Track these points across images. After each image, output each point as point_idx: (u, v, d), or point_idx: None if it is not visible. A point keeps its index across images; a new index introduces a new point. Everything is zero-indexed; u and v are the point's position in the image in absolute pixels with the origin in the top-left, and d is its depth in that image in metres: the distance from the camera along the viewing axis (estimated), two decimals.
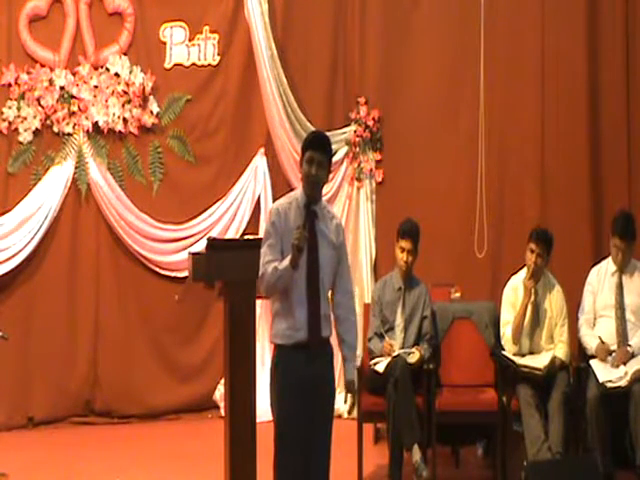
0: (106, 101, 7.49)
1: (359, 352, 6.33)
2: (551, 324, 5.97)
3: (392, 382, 5.60)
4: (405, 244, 6.02)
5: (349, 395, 4.48)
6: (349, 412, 4.58)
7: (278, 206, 4.36)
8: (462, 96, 7.58)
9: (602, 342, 5.80)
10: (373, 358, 5.94)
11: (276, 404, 4.34)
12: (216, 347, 7.20)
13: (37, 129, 7.43)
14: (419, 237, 6.03)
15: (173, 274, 7.59)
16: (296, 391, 4.25)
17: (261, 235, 4.54)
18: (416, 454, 5.52)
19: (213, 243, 4.96)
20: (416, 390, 5.69)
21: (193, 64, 7.70)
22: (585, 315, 6.00)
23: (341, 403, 7.37)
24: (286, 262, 4.18)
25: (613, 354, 5.78)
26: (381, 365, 5.78)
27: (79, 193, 7.51)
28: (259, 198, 7.67)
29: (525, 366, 5.77)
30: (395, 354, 5.79)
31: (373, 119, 7.70)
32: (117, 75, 7.52)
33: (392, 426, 5.61)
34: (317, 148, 4.30)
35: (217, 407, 7.38)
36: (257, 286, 4.53)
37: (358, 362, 6.02)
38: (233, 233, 7.57)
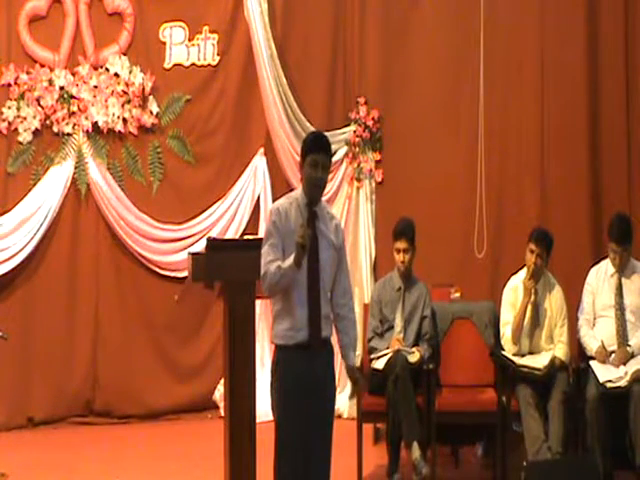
0: (106, 101, 7.49)
1: (359, 352, 6.34)
2: (551, 324, 5.97)
3: (392, 379, 5.60)
4: (400, 244, 6.02)
5: (351, 384, 4.44)
6: (352, 397, 4.53)
7: (279, 206, 4.36)
8: (462, 96, 7.58)
9: (603, 346, 5.79)
10: (373, 356, 5.93)
11: (277, 405, 4.34)
12: (216, 347, 7.20)
13: (37, 129, 7.43)
14: (414, 234, 6.02)
15: (173, 274, 7.58)
16: (297, 392, 4.25)
17: (261, 235, 4.53)
18: (415, 451, 5.53)
19: (213, 243, 4.96)
20: (416, 390, 5.69)
21: (193, 64, 7.70)
22: (585, 315, 6.00)
23: (341, 403, 7.40)
24: (290, 261, 4.18)
25: (613, 354, 5.79)
26: (381, 362, 5.78)
27: (79, 193, 7.51)
28: (259, 198, 7.67)
29: (525, 366, 5.77)
30: (395, 349, 5.79)
31: (373, 119, 7.70)
32: (117, 75, 7.52)
33: (392, 422, 5.62)
34: (320, 150, 4.31)
35: (217, 407, 7.38)
36: (258, 286, 4.53)
37: (358, 362, 6.04)
38: (233, 233, 7.57)
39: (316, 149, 4.31)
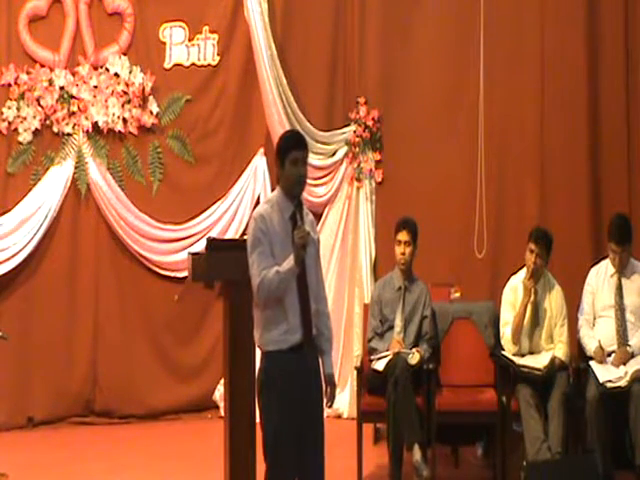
0: (106, 101, 7.49)
1: (359, 352, 6.34)
2: (551, 324, 5.97)
3: (392, 381, 5.59)
4: (401, 236, 5.99)
5: (329, 388, 4.41)
6: (328, 406, 4.47)
7: (262, 212, 4.32)
8: (462, 96, 7.58)
9: (600, 346, 5.79)
10: (373, 357, 5.92)
11: (271, 410, 4.22)
12: (216, 347, 7.19)
13: (37, 129, 7.44)
14: (417, 230, 6.01)
15: (173, 274, 7.59)
16: (292, 393, 4.17)
17: None
18: (416, 454, 5.51)
19: (212, 243, 4.96)
20: (416, 390, 5.69)
21: (193, 64, 7.71)
22: (585, 315, 6.00)
23: (341, 403, 7.39)
24: (289, 264, 4.15)
25: (613, 354, 5.79)
26: (381, 364, 5.77)
27: (79, 193, 7.51)
28: (259, 198, 7.66)
29: (525, 366, 5.76)
30: (395, 351, 5.78)
31: (373, 119, 7.70)
32: (117, 75, 7.52)
33: (392, 425, 5.60)
34: (301, 147, 4.31)
35: (217, 407, 7.38)
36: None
37: (358, 362, 6.05)
38: (233, 233, 7.58)
39: (296, 146, 4.30)
